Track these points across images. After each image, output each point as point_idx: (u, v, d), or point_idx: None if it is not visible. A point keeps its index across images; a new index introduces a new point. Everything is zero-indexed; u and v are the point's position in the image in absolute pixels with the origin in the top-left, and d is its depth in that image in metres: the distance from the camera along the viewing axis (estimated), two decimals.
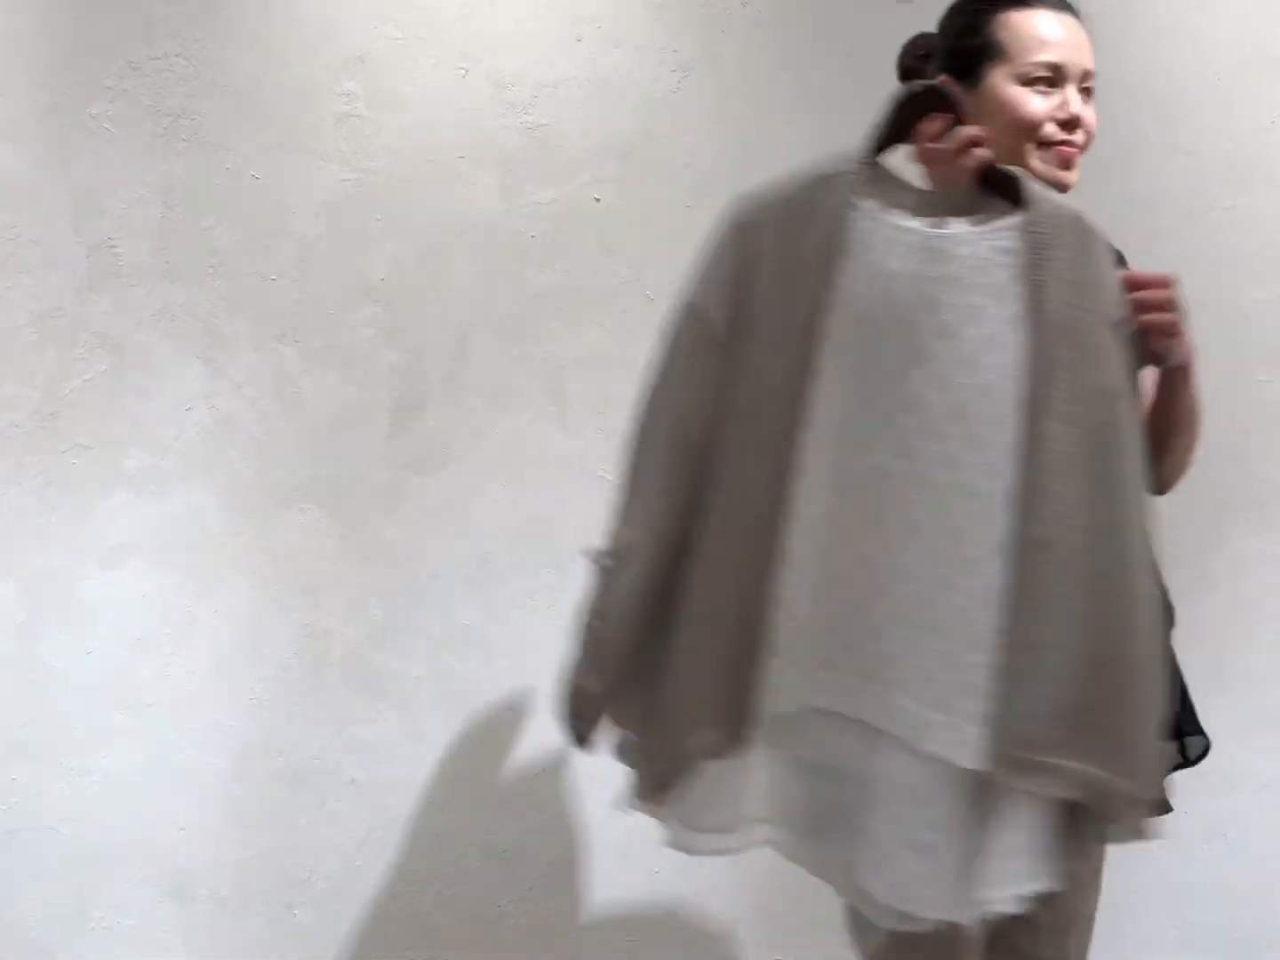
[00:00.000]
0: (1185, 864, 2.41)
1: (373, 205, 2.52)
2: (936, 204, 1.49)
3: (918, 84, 1.56)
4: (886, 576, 1.46)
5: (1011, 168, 1.51)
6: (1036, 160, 1.67)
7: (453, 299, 2.53)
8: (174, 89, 2.50)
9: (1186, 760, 1.69)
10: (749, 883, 2.48)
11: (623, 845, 2.48)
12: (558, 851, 2.51)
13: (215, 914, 2.49)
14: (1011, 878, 1.46)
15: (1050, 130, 1.65)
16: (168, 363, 2.49)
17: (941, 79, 1.64)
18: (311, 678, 2.50)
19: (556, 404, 2.53)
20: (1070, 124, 1.63)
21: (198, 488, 2.49)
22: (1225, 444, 2.26)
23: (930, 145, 1.53)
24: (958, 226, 1.47)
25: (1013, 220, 1.47)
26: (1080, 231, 1.48)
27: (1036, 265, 1.45)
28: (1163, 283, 1.50)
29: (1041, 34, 1.63)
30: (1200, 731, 1.70)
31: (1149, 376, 1.58)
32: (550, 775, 2.51)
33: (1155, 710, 1.46)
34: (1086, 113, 1.68)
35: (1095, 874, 1.74)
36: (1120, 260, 1.63)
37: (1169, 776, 1.55)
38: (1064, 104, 1.63)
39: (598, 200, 2.54)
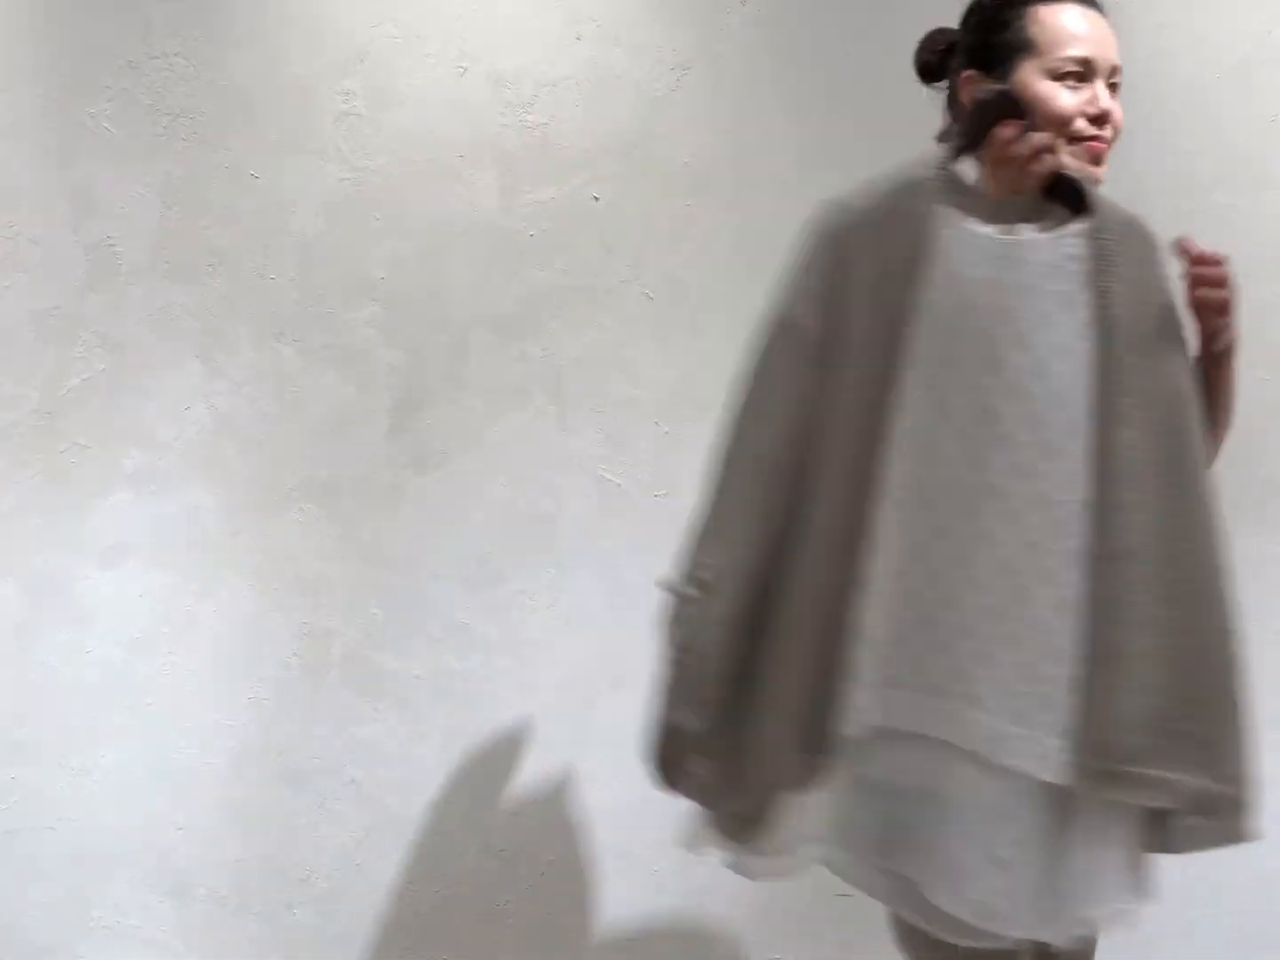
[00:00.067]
0: (1185, 864, 2.41)
1: (372, 204, 2.52)
2: (1007, 210, 1.50)
3: (991, 90, 1.56)
4: (956, 590, 1.44)
5: (1077, 173, 1.52)
6: (1067, 156, 1.67)
7: (452, 298, 2.52)
8: (173, 88, 2.50)
9: None
10: (749, 883, 2.46)
11: (623, 845, 2.48)
12: (558, 851, 2.51)
13: (214, 913, 2.49)
14: (1103, 894, 1.45)
15: (1081, 125, 1.62)
16: (167, 362, 2.49)
17: (1001, 87, 1.61)
18: (311, 677, 2.50)
19: (556, 403, 2.52)
20: (1100, 119, 1.61)
21: (197, 487, 2.49)
22: (1225, 442, 2.25)
23: (1009, 151, 1.53)
24: (1027, 233, 1.49)
25: (1079, 226, 1.49)
26: (1142, 236, 1.51)
27: (1103, 271, 1.46)
28: (1218, 260, 1.53)
29: (1072, 29, 1.61)
30: None
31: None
32: (550, 775, 2.50)
33: (1244, 712, 1.46)
34: (1115, 108, 1.67)
35: None
36: None
37: None
38: (1094, 99, 1.61)
39: (597, 199, 2.53)
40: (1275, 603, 2.53)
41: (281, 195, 2.51)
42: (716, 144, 2.52)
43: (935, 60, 1.72)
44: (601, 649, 2.49)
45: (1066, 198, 1.51)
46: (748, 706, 1.48)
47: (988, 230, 1.49)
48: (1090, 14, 1.65)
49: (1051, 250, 1.48)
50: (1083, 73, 1.62)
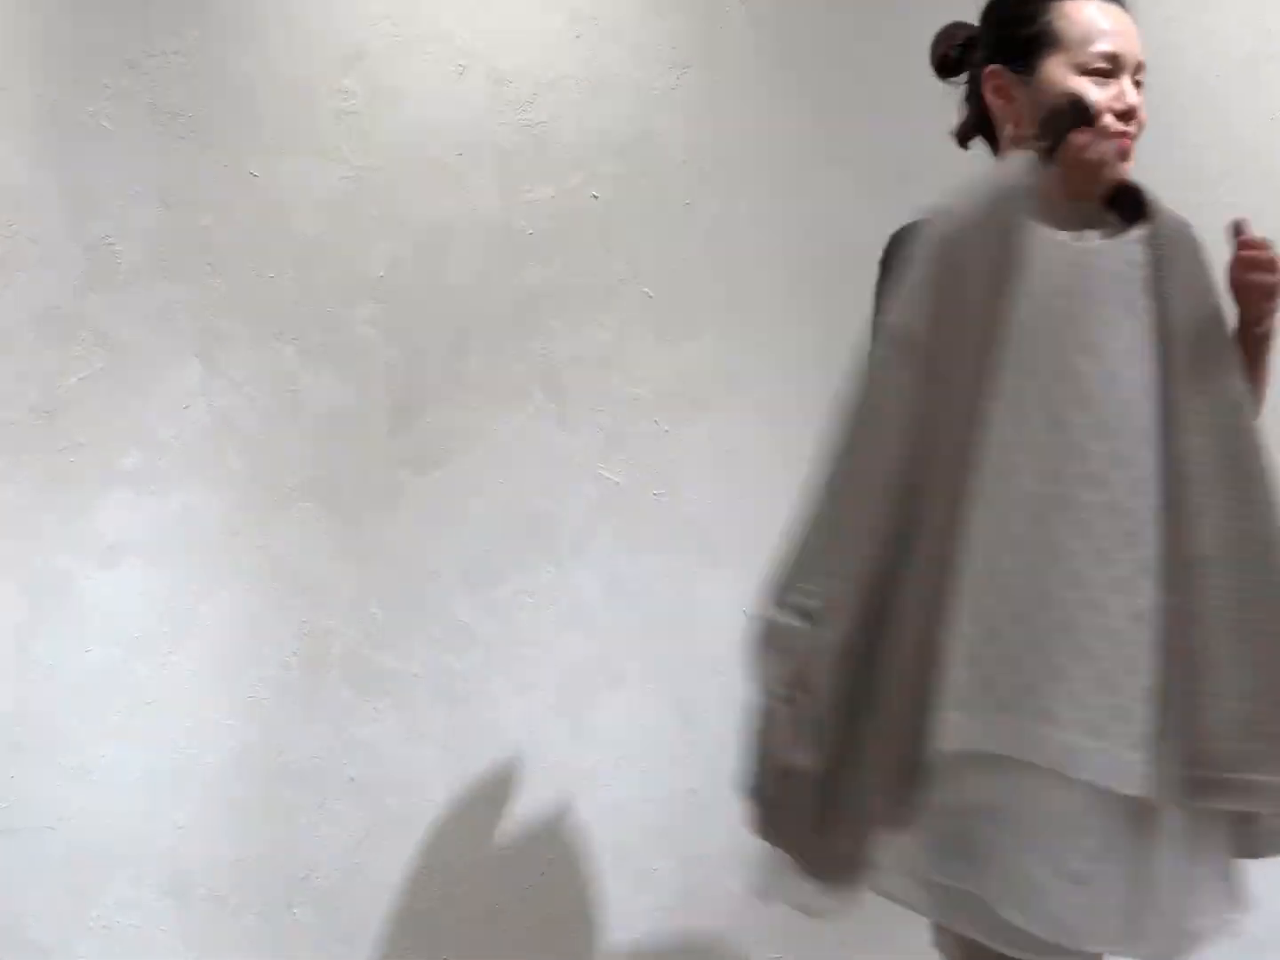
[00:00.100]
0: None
1: (371, 203, 2.51)
2: (1074, 217, 1.51)
3: (1066, 97, 1.55)
4: (1024, 604, 1.42)
5: (1135, 180, 1.53)
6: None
7: (451, 296, 2.52)
8: (172, 87, 2.50)
9: None
10: (748, 883, 2.46)
11: (623, 845, 2.48)
12: (558, 851, 2.51)
13: (214, 913, 2.48)
14: (1204, 905, 1.44)
15: (1108, 121, 1.61)
16: (166, 361, 2.49)
17: (1074, 94, 1.59)
18: (311, 677, 2.50)
19: (556, 402, 2.52)
20: (1127, 115, 1.60)
21: (196, 486, 2.49)
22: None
23: (1084, 157, 1.54)
24: (1093, 239, 1.49)
25: (1139, 232, 1.49)
26: (1192, 241, 1.52)
27: (1161, 278, 1.47)
28: (1266, 244, 1.53)
29: (1100, 24, 1.60)
30: None
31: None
32: (550, 774, 2.50)
33: None
34: (1139, 104, 1.67)
35: None
36: None
37: None
38: (1121, 94, 1.59)
39: (596, 197, 2.53)
40: None
41: (281, 194, 2.51)
42: (715, 142, 2.52)
43: (955, 56, 1.70)
44: (601, 649, 2.48)
45: (1121, 203, 1.52)
46: (851, 741, 1.42)
47: (1064, 237, 1.49)
48: (1115, 9, 1.64)
49: (1117, 256, 1.48)
50: (1110, 69, 1.60)
